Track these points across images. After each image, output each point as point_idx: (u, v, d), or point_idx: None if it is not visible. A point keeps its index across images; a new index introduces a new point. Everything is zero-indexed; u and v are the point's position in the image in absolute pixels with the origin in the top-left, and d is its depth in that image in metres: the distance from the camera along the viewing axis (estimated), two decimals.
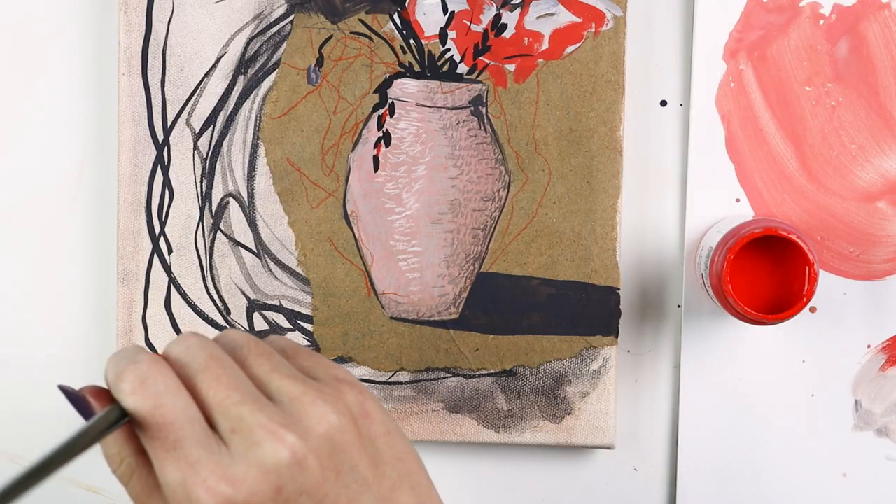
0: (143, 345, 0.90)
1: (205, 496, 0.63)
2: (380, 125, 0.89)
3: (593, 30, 0.89)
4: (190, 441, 0.64)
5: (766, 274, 0.86)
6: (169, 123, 0.89)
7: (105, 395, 0.67)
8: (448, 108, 0.89)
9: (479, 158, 0.89)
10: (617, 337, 0.90)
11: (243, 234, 0.90)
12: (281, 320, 0.90)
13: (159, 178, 0.90)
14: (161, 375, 0.65)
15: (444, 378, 0.90)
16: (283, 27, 0.89)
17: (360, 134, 0.89)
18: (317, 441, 0.65)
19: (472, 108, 0.89)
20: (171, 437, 0.64)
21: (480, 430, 0.90)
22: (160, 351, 0.68)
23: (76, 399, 0.68)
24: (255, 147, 0.90)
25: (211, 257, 0.90)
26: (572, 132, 0.89)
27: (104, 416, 0.65)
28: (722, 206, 0.90)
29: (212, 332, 0.90)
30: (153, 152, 0.90)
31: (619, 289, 0.90)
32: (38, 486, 0.62)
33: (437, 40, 0.89)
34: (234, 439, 0.64)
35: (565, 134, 0.89)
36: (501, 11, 0.88)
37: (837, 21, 0.89)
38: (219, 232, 0.90)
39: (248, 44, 0.89)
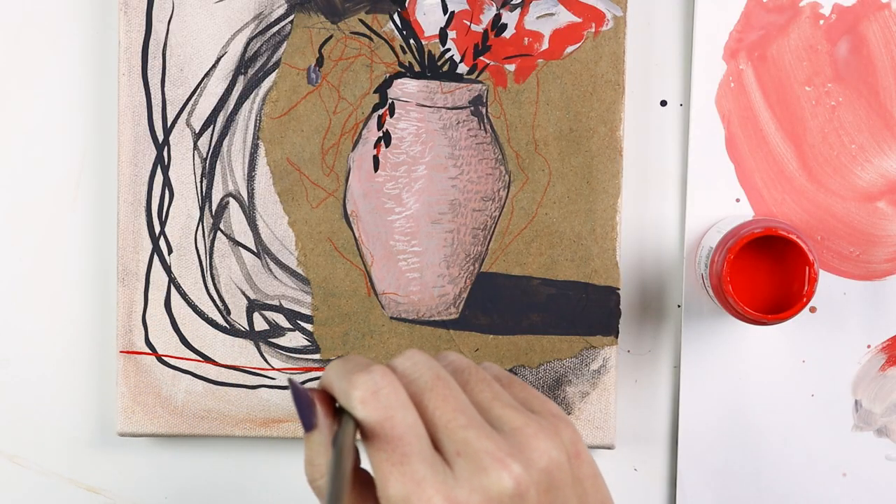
0: (144, 345, 0.90)
1: None
2: (380, 125, 0.89)
3: (593, 30, 0.89)
4: (417, 458, 0.64)
5: (766, 274, 0.86)
6: (169, 123, 0.89)
7: (327, 400, 0.68)
8: (448, 108, 0.89)
9: (479, 158, 0.89)
10: (617, 337, 0.90)
11: (243, 234, 0.90)
12: (281, 320, 0.90)
13: (159, 178, 0.90)
14: (393, 388, 0.65)
15: None
16: (283, 27, 0.89)
17: (360, 134, 0.89)
18: (537, 475, 0.65)
19: (472, 108, 0.89)
20: (398, 452, 0.64)
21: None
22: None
23: (304, 400, 0.67)
24: (255, 147, 0.90)
25: (211, 257, 0.90)
26: (572, 132, 0.89)
27: (348, 429, 0.66)
28: (722, 206, 0.90)
29: (212, 332, 0.90)
30: (153, 152, 0.90)
31: (619, 289, 0.90)
32: None
33: (437, 40, 0.89)
34: (458, 462, 0.65)
35: (565, 134, 0.89)
36: (501, 11, 0.88)
37: (837, 21, 0.89)
38: (219, 232, 0.90)
39: (248, 44, 0.89)
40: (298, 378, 0.90)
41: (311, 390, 0.68)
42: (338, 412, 0.67)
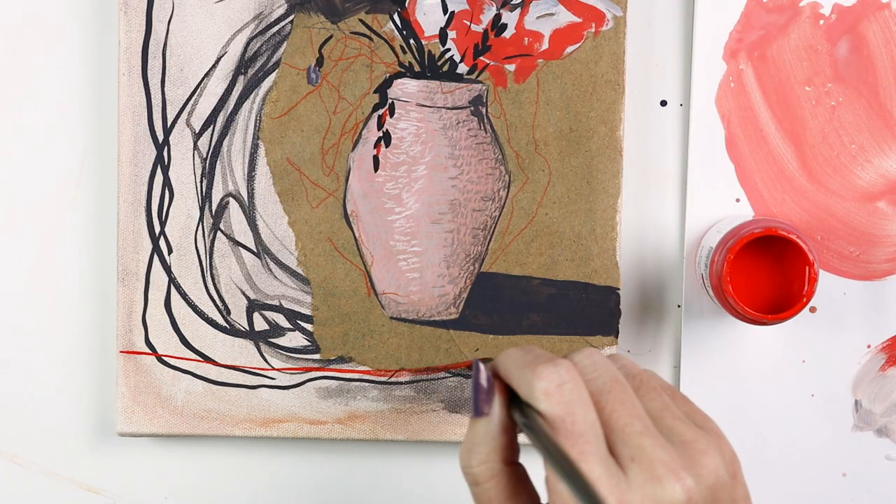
0: (144, 345, 0.90)
1: None
2: (380, 125, 0.89)
3: (593, 30, 0.89)
4: (594, 457, 0.65)
5: (766, 274, 0.86)
6: (169, 123, 0.89)
7: (503, 390, 0.68)
8: (448, 108, 0.89)
9: (479, 158, 0.89)
10: (617, 337, 0.90)
11: (243, 234, 0.90)
12: (281, 320, 0.90)
13: (159, 178, 0.90)
14: (576, 385, 0.66)
15: (444, 378, 0.90)
16: (283, 27, 0.89)
17: (360, 134, 0.89)
18: (704, 491, 0.66)
19: (472, 108, 0.89)
20: (577, 448, 0.65)
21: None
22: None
23: (486, 386, 0.67)
24: (255, 147, 0.90)
25: (211, 257, 0.90)
26: (572, 132, 0.89)
27: (539, 421, 0.66)
28: (722, 206, 0.90)
29: (212, 332, 0.90)
30: (153, 152, 0.90)
31: (619, 289, 0.90)
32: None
33: (437, 40, 0.89)
34: (632, 468, 0.65)
35: (565, 134, 0.89)
36: (501, 11, 0.88)
37: (837, 21, 0.89)
38: (219, 232, 0.90)
39: (248, 44, 0.89)
40: (298, 378, 0.90)
41: (498, 381, 0.68)
42: (512, 403, 0.67)
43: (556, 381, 0.66)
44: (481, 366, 0.67)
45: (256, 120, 0.89)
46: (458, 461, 0.69)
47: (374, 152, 0.90)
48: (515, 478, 0.69)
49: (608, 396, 0.67)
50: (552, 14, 0.89)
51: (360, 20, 0.89)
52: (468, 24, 0.89)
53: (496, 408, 0.68)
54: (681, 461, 0.66)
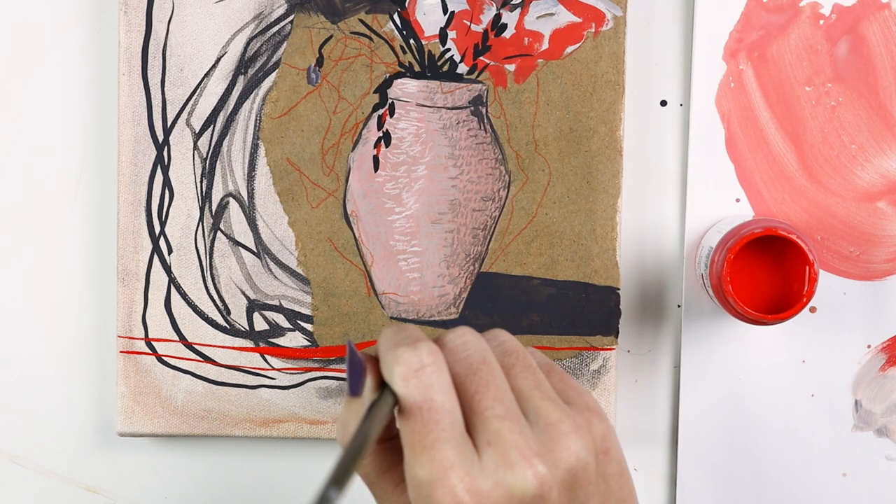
0: (144, 345, 0.90)
1: (448, 502, 0.64)
2: (380, 125, 0.89)
3: (593, 30, 0.89)
4: (448, 444, 0.65)
5: (766, 274, 0.86)
6: (169, 123, 0.89)
7: (376, 369, 0.67)
8: (448, 108, 0.89)
9: (479, 158, 0.89)
10: (617, 337, 0.90)
11: (243, 234, 0.90)
12: (281, 320, 0.90)
13: (159, 178, 0.90)
14: (437, 370, 0.66)
15: None
16: (283, 27, 0.89)
17: (360, 134, 0.89)
18: (562, 474, 0.65)
19: (472, 108, 0.89)
20: (432, 435, 0.65)
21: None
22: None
23: (357, 367, 0.67)
24: (255, 147, 0.90)
25: (211, 257, 0.90)
26: (572, 132, 0.89)
27: (384, 403, 0.65)
28: (722, 206, 0.90)
29: (212, 332, 0.90)
30: (153, 152, 0.90)
31: (619, 289, 0.90)
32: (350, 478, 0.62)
33: (437, 40, 0.89)
34: (487, 452, 0.65)
35: (565, 134, 0.89)
36: (501, 11, 0.88)
37: (837, 21, 0.89)
38: (219, 232, 0.90)
39: (248, 44, 0.89)
40: (298, 378, 0.90)
41: (366, 357, 0.68)
42: (382, 384, 0.67)
43: (414, 365, 0.65)
44: (353, 348, 0.67)
45: (256, 120, 0.89)
46: (336, 436, 0.69)
47: (374, 152, 0.90)
48: (391, 454, 0.69)
49: (473, 378, 0.66)
50: (552, 14, 0.89)
51: (360, 20, 0.89)
52: (468, 24, 0.89)
53: (367, 391, 0.67)
54: (537, 446, 0.65)
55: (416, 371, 0.65)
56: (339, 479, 0.61)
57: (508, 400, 0.66)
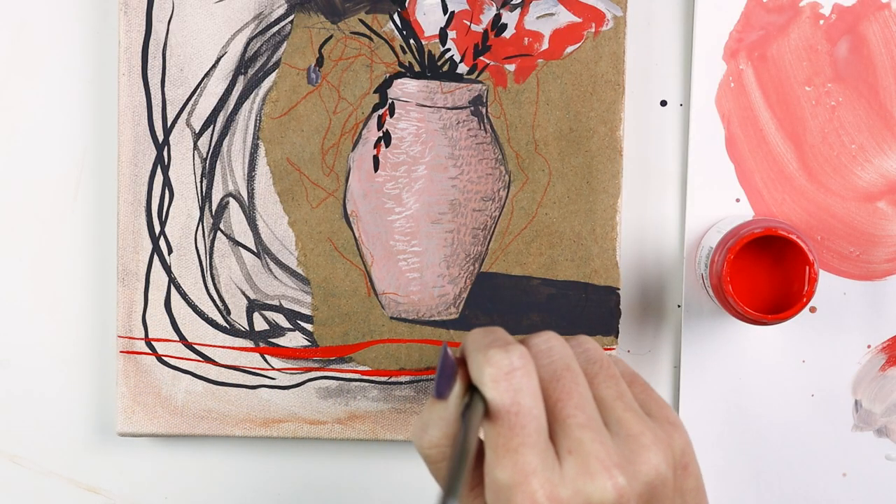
0: (144, 345, 0.90)
1: None
2: (380, 125, 0.89)
3: (593, 30, 0.89)
4: (532, 450, 0.65)
5: (766, 274, 0.86)
6: (169, 123, 0.89)
7: (465, 373, 0.67)
8: (448, 108, 0.89)
9: (479, 158, 0.89)
10: (617, 337, 0.90)
11: (243, 234, 0.90)
12: (281, 320, 0.90)
13: (159, 178, 0.90)
14: (527, 374, 0.66)
15: None
16: (283, 27, 0.89)
17: (360, 134, 0.89)
18: (640, 487, 0.65)
19: (472, 108, 0.89)
20: (517, 439, 0.65)
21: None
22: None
23: (448, 370, 0.67)
24: (255, 147, 0.90)
25: (211, 257, 0.90)
26: (572, 132, 0.89)
27: (477, 411, 0.65)
28: (722, 206, 0.90)
29: (212, 332, 0.90)
30: (153, 152, 0.90)
31: (619, 289, 0.90)
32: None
33: (437, 40, 0.89)
34: (568, 460, 0.65)
35: (565, 134, 0.89)
36: (501, 11, 0.88)
37: (837, 21, 0.89)
38: (219, 232, 0.90)
39: (248, 44, 0.89)
40: (298, 378, 0.90)
41: (457, 360, 0.67)
42: (470, 387, 0.67)
43: (505, 367, 0.65)
44: (448, 350, 0.67)
45: (256, 120, 0.89)
46: (412, 435, 0.69)
47: (374, 152, 0.90)
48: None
49: (556, 384, 0.66)
50: (552, 14, 0.89)
51: (360, 20, 0.89)
52: (468, 24, 0.89)
53: (453, 395, 0.67)
54: (618, 457, 0.65)
55: (507, 374, 0.65)
56: (452, 491, 0.62)
57: (591, 409, 0.66)
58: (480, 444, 0.68)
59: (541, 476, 0.64)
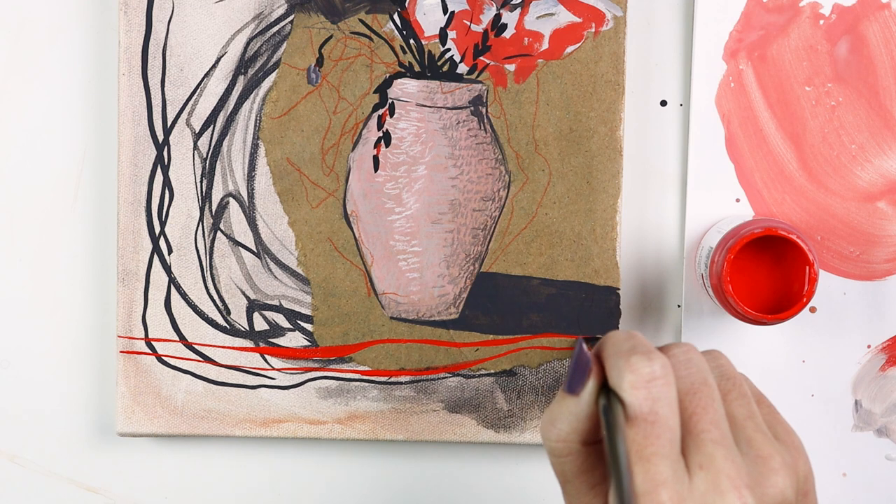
0: (144, 345, 0.90)
1: None
2: (380, 125, 0.89)
3: (593, 30, 0.89)
4: (665, 461, 0.65)
5: (766, 274, 0.86)
6: (169, 123, 0.89)
7: (600, 372, 0.68)
8: (448, 108, 0.89)
9: (479, 158, 0.89)
10: None
11: (243, 234, 0.90)
12: (281, 320, 0.90)
13: (159, 178, 0.90)
14: (666, 384, 0.66)
15: (444, 378, 0.90)
16: (283, 27, 0.89)
17: (360, 134, 0.89)
18: None
19: (472, 108, 0.89)
20: (651, 448, 0.65)
21: (480, 430, 0.90)
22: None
23: (583, 366, 0.67)
24: (255, 147, 0.90)
25: (211, 257, 0.90)
26: (572, 132, 0.89)
27: (619, 411, 0.66)
28: (722, 206, 0.90)
29: (212, 332, 0.90)
30: (153, 152, 0.90)
31: (619, 289, 0.90)
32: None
33: (437, 40, 0.89)
34: (699, 475, 0.65)
35: (565, 134, 0.89)
36: (501, 11, 0.88)
37: (837, 21, 0.89)
38: (219, 232, 0.90)
39: (248, 44, 0.89)
40: (298, 378, 0.90)
41: (593, 358, 0.68)
42: (604, 387, 0.68)
43: (646, 375, 0.66)
44: (584, 346, 0.67)
45: (256, 120, 0.89)
46: (539, 427, 0.69)
47: (374, 152, 0.90)
48: (594, 457, 0.69)
49: (693, 398, 0.67)
50: (552, 14, 0.89)
51: (360, 20, 0.89)
52: (468, 24, 0.89)
53: (587, 392, 0.68)
54: (748, 477, 0.66)
55: (648, 381, 0.66)
56: (625, 499, 0.63)
57: (724, 425, 0.67)
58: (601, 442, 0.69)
59: (671, 488, 0.65)
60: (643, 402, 0.66)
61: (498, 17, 0.89)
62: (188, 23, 0.89)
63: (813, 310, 0.91)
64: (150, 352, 0.90)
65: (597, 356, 0.69)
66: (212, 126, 0.90)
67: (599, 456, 0.69)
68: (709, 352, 0.71)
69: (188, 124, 0.89)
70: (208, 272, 0.90)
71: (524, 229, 0.90)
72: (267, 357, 0.90)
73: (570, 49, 0.89)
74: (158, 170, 0.90)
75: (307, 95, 0.89)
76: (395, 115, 0.89)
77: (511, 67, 0.89)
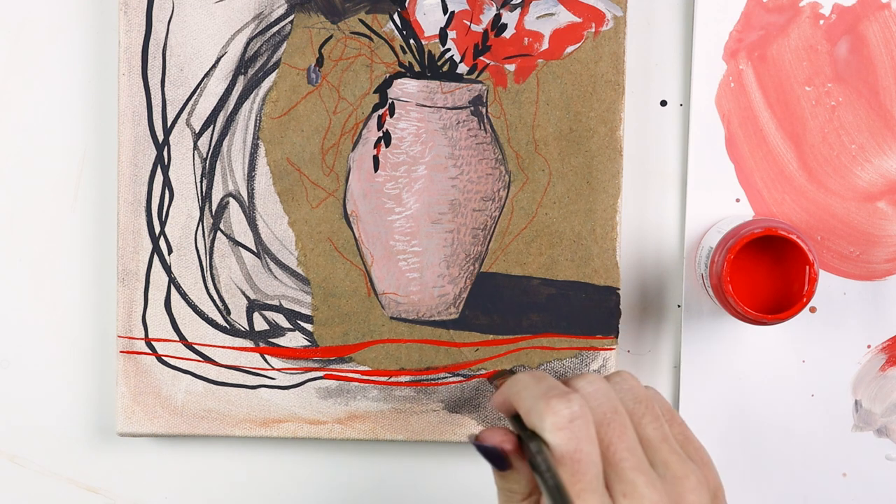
0: (144, 345, 0.90)
1: None
2: (380, 125, 0.89)
3: (593, 30, 0.89)
4: (593, 494, 0.67)
5: (766, 274, 0.86)
6: (169, 123, 0.89)
7: (512, 439, 0.71)
8: (448, 108, 0.89)
9: (479, 158, 0.89)
10: (617, 337, 0.90)
11: (243, 234, 0.90)
12: (281, 320, 0.90)
13: (159, 178, 0.90)
14: (585, 420, 0.68)
15: (444, 378, 0.90)
16: (283, 27, 0.89)
17: (360, 134, 0.89)
18: None
19: (472, 108, 0.89)
20: (578, 485, 0.67)
21: (480, 430, 0.90)
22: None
23: (494, 453, 0.70)
24: (255, 147, 0.90)
25: (211, 257, 0.90)
26: (572, 132, 0.89)
27: (547, 452, 0.68)
28: (722, 206, 0.90)
29: (212, 332, 0.90)
30: (153, 152, 0.90)
31: (619, 289, 0.90)
32: None
33: (437, 40, 0.89)
34: (623, 503, 0.68)
35: (565, 134, 0.89)
36: (501, 11, 0.88)
37: (837, 21, 0.89)
38: (219, 232, 0.90)
39: (248, 44, 0.89)
40: (298, 378, 0.90)
41: (502, 434, 0.70)
42: (519, 436, 0.70)
43: (567, 416, 0.68)
44: (476, 441, 0.70)
45: (256, 120, 0.89)
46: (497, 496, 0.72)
47: (374, 152, 0.90)
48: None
49: (608, 429, 0.69)
50: (552, 14, 0.89)
51: (360, 20, 0.89)
52: (468, 24, 0.89)
53: (516, 459, 0.70)
54: (667, 499, 0.68)
55: (570, 422, 0.68)
56: None
57: (639, 451, 0.69)
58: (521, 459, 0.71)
59: None
60: (568, 442, 0.68)
61: (498, 17, 0.89)
62: (188, 23, 0.89)
63: (813, 310, 0.91)
64: (150, 352, 0.90)
65: (506, 401, 0.72)
66: (212, 126, 0.90)
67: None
68: (617, 373, 0.73)
69: (188, 124, 0.89)
70: (208, 272, 0.90)
71: (524, 229, 0.90)
72: (267, 357, 0.90)
73: (570, 49, 0.89)
74: (158, 170, 0.90)
75: (307, 95, 0.89)
76: (395, 115, 0.89)
77: (511, 67, 0.89)
